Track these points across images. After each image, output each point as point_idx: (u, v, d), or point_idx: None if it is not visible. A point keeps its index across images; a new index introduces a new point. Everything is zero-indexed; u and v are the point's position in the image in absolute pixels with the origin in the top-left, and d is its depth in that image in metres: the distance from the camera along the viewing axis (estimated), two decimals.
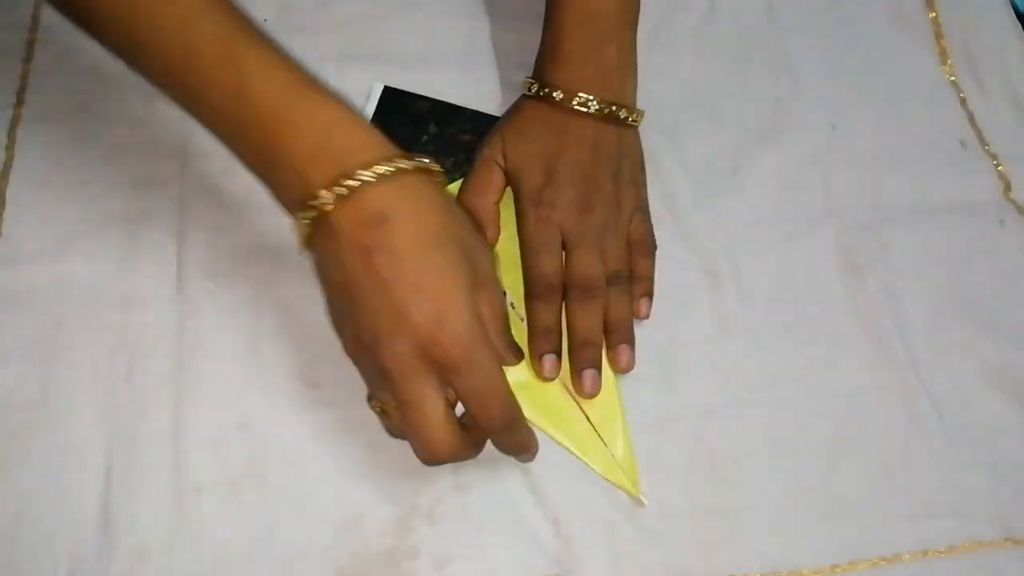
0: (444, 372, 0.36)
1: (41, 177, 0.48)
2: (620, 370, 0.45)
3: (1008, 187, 0.52)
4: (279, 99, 0.37)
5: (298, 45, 0.53)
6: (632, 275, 0.47)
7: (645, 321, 0.47)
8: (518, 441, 0.40)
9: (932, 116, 0.54)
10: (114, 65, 0.51)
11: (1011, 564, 0.42)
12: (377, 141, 0.38)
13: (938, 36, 0.57)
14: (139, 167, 0.49)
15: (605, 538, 0.42)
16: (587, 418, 0.44)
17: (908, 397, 0.46)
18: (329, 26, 0.54)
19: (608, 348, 0.45)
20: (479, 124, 0.51)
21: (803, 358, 0.47)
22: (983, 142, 0.54)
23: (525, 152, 0.47)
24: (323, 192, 0.36)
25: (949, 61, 0.56)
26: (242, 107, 0.37)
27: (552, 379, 0.45)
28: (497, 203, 0.47)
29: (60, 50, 0.52)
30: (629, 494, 0.43)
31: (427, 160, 0.39)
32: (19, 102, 0.50)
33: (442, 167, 0.49)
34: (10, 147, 0.49)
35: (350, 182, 0.36)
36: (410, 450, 0.43)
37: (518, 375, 0.44)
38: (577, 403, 0.44)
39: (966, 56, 0.56)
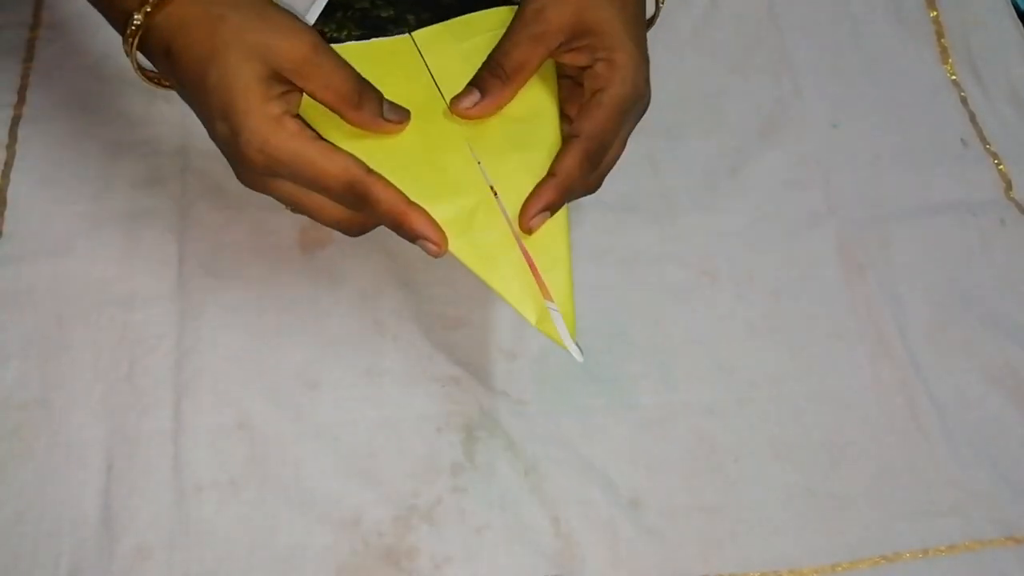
0: (277, 171, 0.37)
1: (42, 176, 0.48)
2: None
3: (1009, 186, 0.52)
4: None
5: None
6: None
7: (646, 320, 0.47)
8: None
9: (933, 115, 0.54)
10: (115, 64, 0.51)
11: (1012, 563, 0.42)
12: None
13: (939, 35, 0.57)
14: (140, 166, 0.49)
15: (605, 537, 0.42)
16: (532, 266, 0.39)
17: (909, 396, 0.46)
18: None
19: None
20: None
21: (804, 357, 0.47)
22: (984, 141, 0.54)
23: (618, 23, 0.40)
24: (136, 15, 0.37)
25: (950, 60, 0.56)
26: None
27: None
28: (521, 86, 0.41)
29: (61, 49, 0.52)
30: (560, 346, 0.39)
31: None
32: (20, 101, 0.50)
33: (419, 19, 0.45)
34: (11, 146, 0.49)
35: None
36: (409, 452, 0.43)
37: (459, 211, 0.40)
38: (523, 249, 0.40)
39: (967, 55, 0.56)
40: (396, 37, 0.45)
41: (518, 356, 0.46)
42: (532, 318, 0.39)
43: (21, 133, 0.49)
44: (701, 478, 0.43)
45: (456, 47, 0.44)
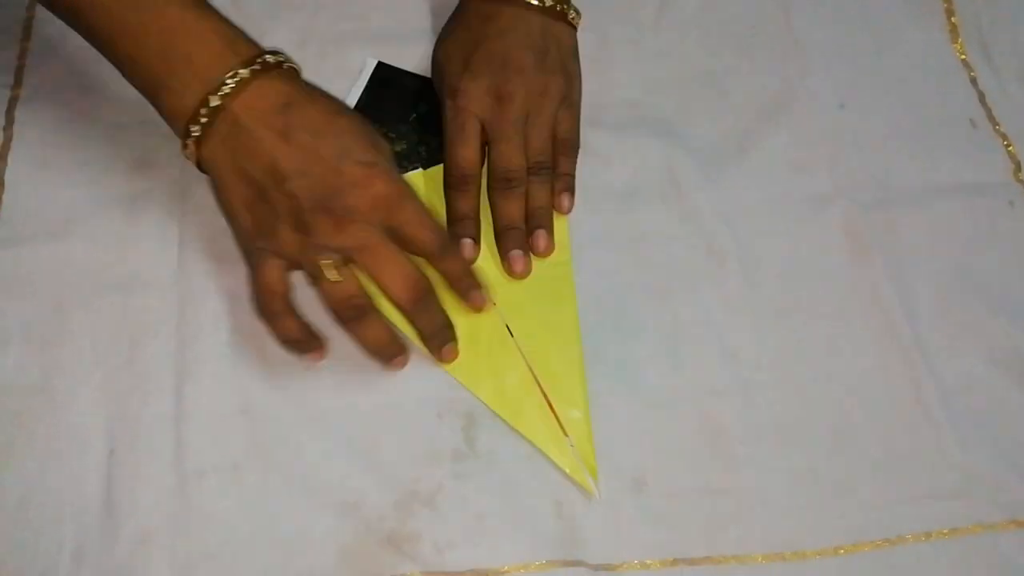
0: (384, 212, 0.41)
1: (40, 159, 0.48)
2: (538, 254, 0.46)
3: (1018, 168, 0.52)
4: (183, 9, 0.41)
5: (298, 21, 0.53)
6: (553, 172, 0.48)
7: (651, 301, 0.47)
8: (458, 263, 0.44)
9: (942, 95, 0.54)
10: None
11: (1015, 546, 0.42)
12: (254, 45, 0.42)
13: (949, 14, 0.56)
14: (139, 148, 0.48)
15: (607, 520, 0.42)
16: (549, 405, 0.43)
17: (914, 379, 0.46)
18: (329, 2, 0.54)
19: (527, 234, 0.47)
20: None
21: (809, 340, 0.46)
22: (993, 122, 0.53)
23: (449, 47, 0.48)
24: (224, 84, 0.40)
25: (960, 39, 0.56)
26: (142, 13, 0.41)
27: (472, 260, 0.46)
28: (480, 163, 0.47)
29: (58, 30, 0.51)
30: (582, 487, 0.42)
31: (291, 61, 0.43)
32: (17, 83, 0.50)
33: (429, 147, 0.50)
34: (8, 128, 0.49)
35: (243, 73, 0.40)
36: (410, 438, 0.43)
37: (478, 348, 0.44)
38: (541, 388, 0.44)
39: (977, 34, 0.56)
40: (409, 174, 0.49)
41: None
42: (555, 456, 0.42)
43: (18, 115, 0.49)
44: (705, 461, 0.43)
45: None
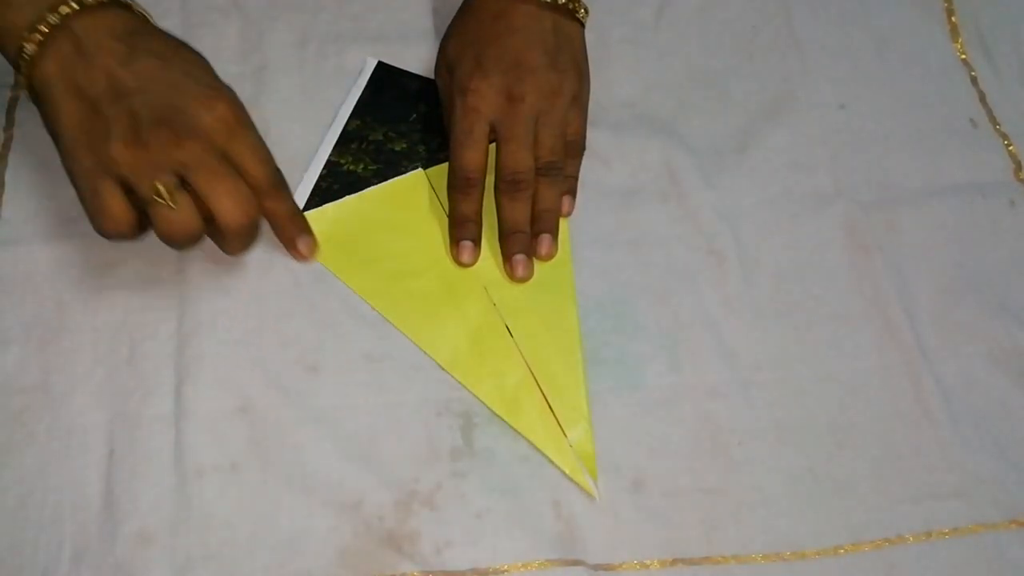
0: (224, 136, 0.40)
1: (40, 159, 0.48)
2: (541, 259, 0.46)
3: (1019, 167, 0.52)
4: None
5: (298, 21, 0.53)
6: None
7: (651, 301, 0.47)
8: (286, 204, 0.44)
9: (942, 95, 0.54)
10: None
11: (1015, 546, 0.42)
12: None
13: (949, 13, 0.56)
14: None
15: (606, 520, 0.42)
16: (548, 405, 0.43)
17: (914, 379, 0.46)
18: (329, 2, 0.54)
19: (531, 237, 0.46)
20: None
21: (809, 339, 0.46)
22: (994, 121, 0.53)
23: (459, 44, 0.48)
24: (66, 3, 0.39)
25: (960, 39, 0.56)
26: None
27: (469, 264, 0.46)
28: (484, 164, 0.47)
29: None
30: (582, 488, 0.42)
31: None
32: (17, 83, 0.50)
33: (429, 147, 0.49)
34: (8, 128, 0.49)
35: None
36: (409, 438, 0.43)
37: (478, 351, 0.44)
38: (540, 389, 0.44)
39: (978, 34, 0.56)
40: (410, 174, 0.49)
41: None
42: (554, 457, 0.42)
43: (18, 115, 0.49)
44: (704, 460, 0.43)
45: None
